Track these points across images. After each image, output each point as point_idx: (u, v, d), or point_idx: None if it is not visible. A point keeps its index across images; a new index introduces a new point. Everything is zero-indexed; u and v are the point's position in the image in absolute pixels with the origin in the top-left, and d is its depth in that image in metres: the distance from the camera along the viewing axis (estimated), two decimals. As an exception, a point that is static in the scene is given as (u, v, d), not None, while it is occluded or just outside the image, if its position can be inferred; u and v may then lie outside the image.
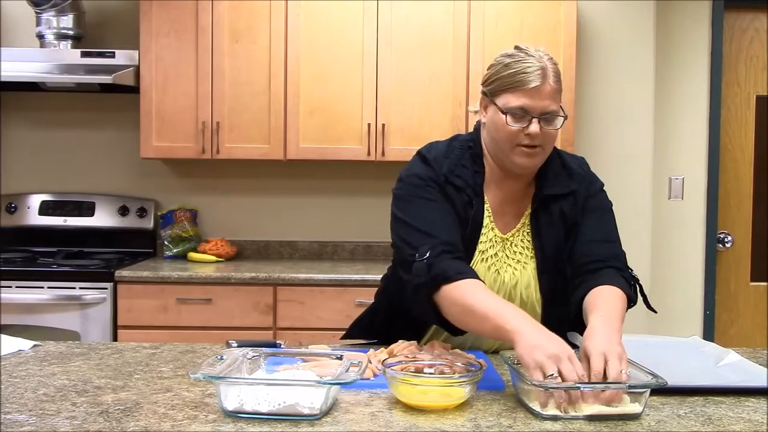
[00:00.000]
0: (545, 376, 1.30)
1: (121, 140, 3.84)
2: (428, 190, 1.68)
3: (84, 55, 3.48)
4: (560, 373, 1.30)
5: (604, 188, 1.80)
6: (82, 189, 3.86)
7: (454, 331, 1.62)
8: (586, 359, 1.36)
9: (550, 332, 1.40)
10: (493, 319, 1.45)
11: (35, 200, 3.80)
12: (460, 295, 1.52)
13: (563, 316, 1.69)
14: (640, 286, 1.69)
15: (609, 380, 1.31)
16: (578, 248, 1.70)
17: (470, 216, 1.68)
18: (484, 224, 1.71)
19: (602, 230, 1.73)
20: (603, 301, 1.54)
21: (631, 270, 1.70)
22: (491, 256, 1.71)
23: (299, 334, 3.21)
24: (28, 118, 3.88)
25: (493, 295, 1.54)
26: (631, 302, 1.63)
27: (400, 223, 1.68)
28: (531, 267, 1.72)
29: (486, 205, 1.72)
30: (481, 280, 1.58)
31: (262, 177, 3.88)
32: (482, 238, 1.71)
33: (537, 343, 1.35)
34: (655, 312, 1.77)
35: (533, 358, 1.33)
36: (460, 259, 1.60)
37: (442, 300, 1.55)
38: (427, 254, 1.57)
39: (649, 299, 1.72)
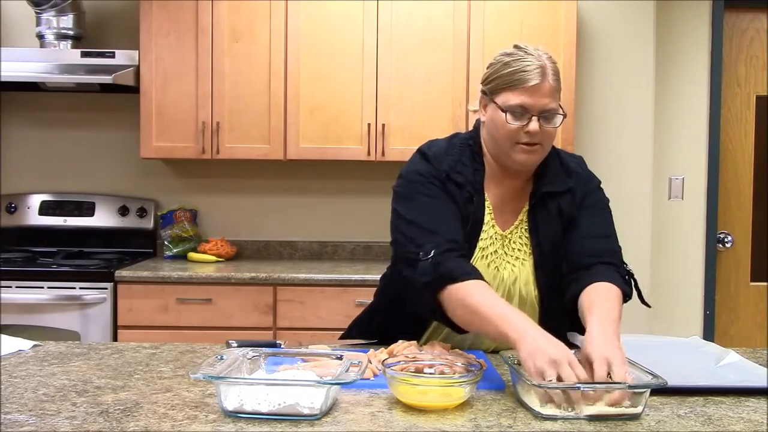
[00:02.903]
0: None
1: (121, 140, 3.84)
2: (430, 186, 1.67)
3: (84, 55, 3.48)
4: (560, 379, 1.30)
5: (601, 186, 1.81)
6: (82, 189, 3.86)
7: (458, 329, 1.63)
8: (588, 365, 1.36)
9: (552, 336, 1.40)
10: (497, 324, 1.45)
11: (35, 200, 3.80)
12: (465, 296, 1.52)
13: (561, 312, 1.69)
14: (635, 281, 1.69)
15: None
16: (573, 244, 1.70)
17: (471, 213, 1.68)
18: (485, 221, 1.71)
19: (598, 226, 1.73)
20: (599, 302, 1.53)
21: (626, 264, 1.70)
22: (491, 253, 1.72)
23: (299, 334, 3.21)
24: (28, 118, 3.88)
25: (497, 298, 1.54)
26: (626, 297, 1.63)
27: (403, 220, 1.67)
28: (529, 263, 1.72)
29: (487, 203, 1.72)
30: (485, 280, 1.58)
31: (262, 177, 3.88)
32: (483, 236, 1.71)
33: (538, 348, 1.35)
34: (649, 306, 1.76)
35: (534, 363, 1.33)
36: (464, 257, 1.61)
37: (447, 300, 1.55)
38: (432, 253, 1.57)
39: (644, 295, 1.72)
